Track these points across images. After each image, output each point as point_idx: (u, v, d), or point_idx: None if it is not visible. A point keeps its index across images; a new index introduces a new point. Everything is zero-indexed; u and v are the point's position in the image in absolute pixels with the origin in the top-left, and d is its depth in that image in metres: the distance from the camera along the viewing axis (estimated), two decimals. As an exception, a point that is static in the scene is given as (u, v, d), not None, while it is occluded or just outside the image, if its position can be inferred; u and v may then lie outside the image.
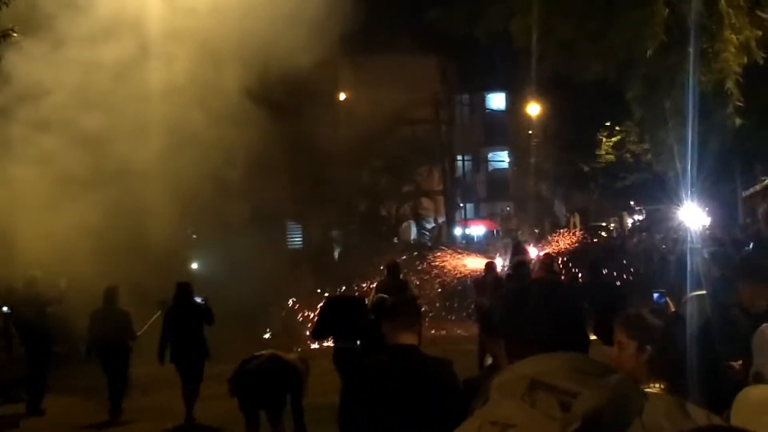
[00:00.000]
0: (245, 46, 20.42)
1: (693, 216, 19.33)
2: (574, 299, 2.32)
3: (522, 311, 2.24)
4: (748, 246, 19.17)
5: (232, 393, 9.70)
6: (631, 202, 39.97)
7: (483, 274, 15.98)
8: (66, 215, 14.93)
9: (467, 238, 39.80)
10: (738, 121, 12.38)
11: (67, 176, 15.49)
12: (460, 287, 22.66)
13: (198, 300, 12.54)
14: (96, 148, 16.81)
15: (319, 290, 20.47)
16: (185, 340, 11.95)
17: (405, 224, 36.64)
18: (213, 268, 20.64)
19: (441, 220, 38.91)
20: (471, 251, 26.67)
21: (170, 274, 16.69)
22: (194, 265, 19.90)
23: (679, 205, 20.52)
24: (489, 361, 5.58)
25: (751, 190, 27.07)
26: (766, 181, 23.75)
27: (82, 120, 16.49)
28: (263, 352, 9.85)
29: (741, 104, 12.05)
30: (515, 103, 39.01)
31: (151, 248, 21.31)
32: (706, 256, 11.40)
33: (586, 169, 38.69)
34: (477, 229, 42.46)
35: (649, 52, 11.83)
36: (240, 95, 23.32)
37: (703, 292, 6.74)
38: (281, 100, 29.18)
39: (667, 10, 11.77)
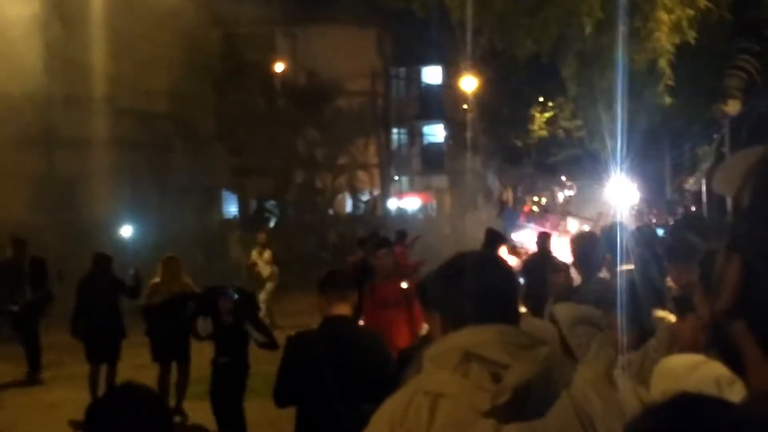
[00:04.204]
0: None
1: (623, 192, 19.66)
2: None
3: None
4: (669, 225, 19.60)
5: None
6: (563, 177, 40.51)
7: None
8: None
9: (402, 212, 39.95)
10: (668, 99, 12.61)
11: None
12: None
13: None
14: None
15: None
16: (97, 317, 11.03)
17: (340, 196, 36.60)
18: (147, 235, 20.21)
19: (376, 192, 38.93)
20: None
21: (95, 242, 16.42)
22: (126, 233, 19.39)
23: (609, 181, 20.87)
24: (424, 331, 5.66)
25: (690, 180, 27.68)
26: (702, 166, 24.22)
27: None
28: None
29: (672, 83, 12.26)
30: (451, 77, 39.05)
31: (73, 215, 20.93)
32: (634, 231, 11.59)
33: (519, 144, 39.09)
34: (412, 202, 42.59)
35: (588, 29, 11.93)
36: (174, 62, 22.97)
37: (632, 266, 6.87)
38: (218, 68, 28.92)
39: (602, -12, 11.89)
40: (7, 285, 12.63)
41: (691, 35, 11.87)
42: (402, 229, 17.35)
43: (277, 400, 5.00)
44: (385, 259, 8.51)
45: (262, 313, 15.56)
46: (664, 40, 11.70)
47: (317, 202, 34.10)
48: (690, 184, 28.05)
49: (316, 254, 27.42)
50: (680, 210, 26.58)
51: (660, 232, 17.13)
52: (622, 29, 11.43)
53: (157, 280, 10.44)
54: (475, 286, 2.23)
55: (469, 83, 31.35)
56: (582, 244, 7.10)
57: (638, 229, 11.50)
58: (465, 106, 35.94)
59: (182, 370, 10.38)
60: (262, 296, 16.53)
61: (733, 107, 17.58)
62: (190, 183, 27.13)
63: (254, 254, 17.33)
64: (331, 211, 34.86)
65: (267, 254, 17.30)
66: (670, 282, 6.48)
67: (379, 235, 14.59)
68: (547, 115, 36.95)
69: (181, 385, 10.35)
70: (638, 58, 12.00)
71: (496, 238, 10.43)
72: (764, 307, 0.98)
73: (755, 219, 1.01)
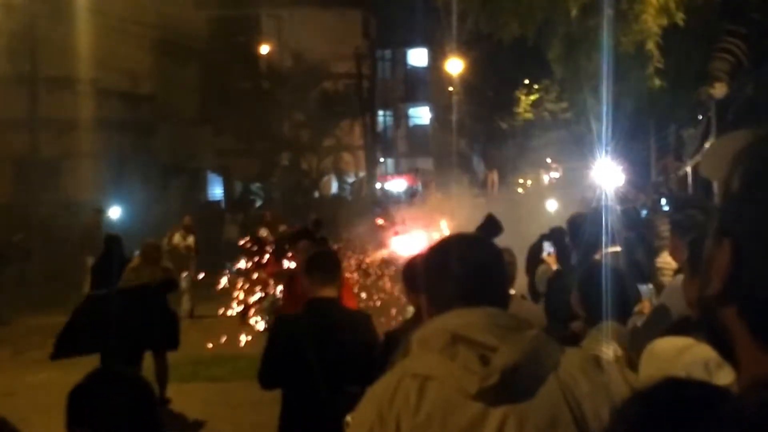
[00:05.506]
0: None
1: (608, 174, 19.69)
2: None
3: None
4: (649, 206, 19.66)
5: None
6: (548, 160, 40.50)
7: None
8: None
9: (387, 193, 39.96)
10: (657, 82, 12.59)
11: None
12: None
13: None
14: None
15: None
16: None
17: (326, 178, 36.58)
18: (131, 217, 20.14)
19: (361, 174, 38.91)
20: None
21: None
22: (113, 215, 19.26)
23: (594, 163, 20.90)
24: (410, 313, 5.65)
25: (683, 168, 27.73)
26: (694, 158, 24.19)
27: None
28: None
29: (661, 65, 12.23)
30: (437, 60, 38.99)
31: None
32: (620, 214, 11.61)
33: (504, 126, 39.08)
34: (397, 184, 42.65)
35: (573, 12, 11.89)
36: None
37: (618, 248, 6.89)
38: (203, 49, 28.78)
39: (588, -30, 11.85)
40: None
41: (679, 17, 11.82)
42: (317, 218, 15.32)
43: (261, 382, 4.98)
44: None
45: (183, 307, 15.15)
46: (651, 22, 11.66)
47: (303, 184, 34.07)
48: (677, 167, 28.12)
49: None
50: (664, 192, 26.63)
51: (644, 213, 17.19)
52: (608, 12, 11.41)
53: (135, 264, 10.28)
54: (462, 268, 2.22)
55: (454, 66, 31.31)
56: (577, 225, 7.10)
57: (623, 211, 11.56)
58: (450, 89, 35.91)
59: (160, 356, 10.00)
60: (183, 284, 15.64)
61: (719, 90, 17.59)
62: (175, 165, 27.03)
63: (177, 237, 16.11)
64: (316, 193, 34.83)
65: (191, 239, 16.24)
66: (662, 264, 6.50)
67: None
68: (532, 97, 36.92)
69: (161, 374, 9.88)
70: (625, 40, 11.96)
71: (494, 226, 10.22)
72: (755, 292, 0.97)
73: (746, 203, 1.00)
